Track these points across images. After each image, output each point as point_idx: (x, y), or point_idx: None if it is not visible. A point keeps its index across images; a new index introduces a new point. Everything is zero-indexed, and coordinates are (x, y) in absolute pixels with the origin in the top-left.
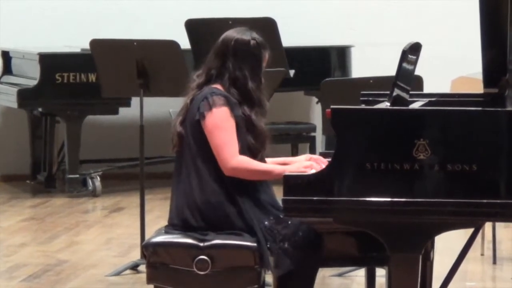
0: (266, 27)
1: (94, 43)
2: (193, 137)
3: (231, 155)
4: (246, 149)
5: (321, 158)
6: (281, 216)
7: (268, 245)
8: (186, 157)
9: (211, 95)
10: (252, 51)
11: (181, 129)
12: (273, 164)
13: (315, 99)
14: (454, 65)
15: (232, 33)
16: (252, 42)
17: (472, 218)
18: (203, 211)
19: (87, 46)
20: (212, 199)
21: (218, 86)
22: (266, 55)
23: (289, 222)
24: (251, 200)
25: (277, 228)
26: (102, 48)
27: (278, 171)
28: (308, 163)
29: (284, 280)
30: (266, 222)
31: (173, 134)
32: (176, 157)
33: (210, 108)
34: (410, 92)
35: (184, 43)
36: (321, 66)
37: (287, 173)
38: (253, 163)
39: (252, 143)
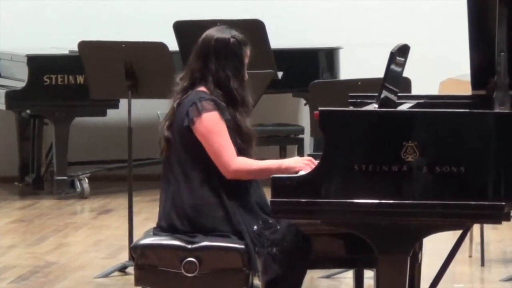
0: (255, 28)
1: (82, 44)
2: (181, 142)
3: (231, 158)
4: (236, 150)
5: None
6: (270, 221)
7: (256, 250)
8: (174, 161)
9: (199, 100)
10: (233, 49)
11: (168, 133)
12: (269, 160)
13: (303, 101)
14: (442, 67)
15: (211, 33)
16: (232, 40)
17: (460, 220)
18: (191, 216)
19: (75, 47)
20: (199, 203)
21: (203, 89)
22: (247, 51)
23: (278, 227)
24: (240, 204)
25: (265, 233)
26: (90, 50)
27: (275, 167)
28: (307, 159)
29: (272, 285)
30: (255, 227)
31: (160, 139)
32: (164, 161)
33: (199, 113)
34: (398, 94)
35: (173, 44)
36: (309, 67)
37: (275, 175)
38: (252, 163)
39: (239, 143)
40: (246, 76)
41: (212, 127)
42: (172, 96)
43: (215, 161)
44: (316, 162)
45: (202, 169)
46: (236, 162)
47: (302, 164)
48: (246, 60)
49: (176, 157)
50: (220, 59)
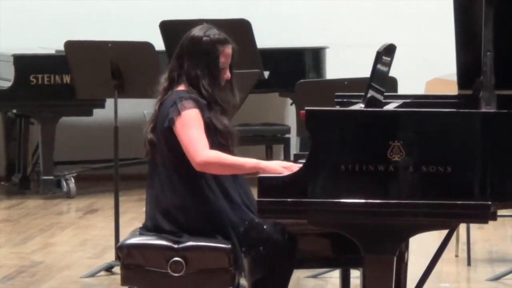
0: (241, 28)
1: (69, 44)
2: (165, 143)
3: (200, 149)
4: (217, 148)
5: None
6: (256, 220)
7: (242, 250)
8: (158, 162)
9: (180, 100)
10: (205, 48)
11: (152, 136)
12: (247, 158)
13: (289, 101)
14: (428, 66)
15: (190, 32)
16: (204, 38)
17: (447, 220)
18: (176, 216)
19: (61, 47)
20: (184, 204)
21: (182, 88)
22: (226, 49)
23: (264, 227)
24: (226, 203)
25: (251, 232)
26: (77, 50)
27: (251, 165)
28: (287, 164)
29: (259, 285)
30: (241, 227)
31: (144, 141)
32: (149, 162)
33: (179, 113)
34: (385, 94)
35: (159, 44)
36: (295, 67)
37: (261, 175)
38: (224, 156)
39: (220, 141)
40: (228, 75)
41: (187, 121)
42: (155, 97)
43: (186, 153)
44: (297, 167)
45: (186, 169)
46: (204, 154)
47: (281, 169)
48: (226, 59)
49: (160, 158)
50: (192, 57)
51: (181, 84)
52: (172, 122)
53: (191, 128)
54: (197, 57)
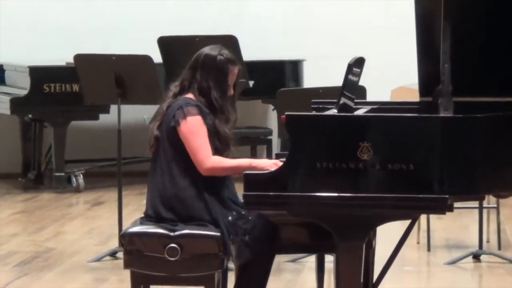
0: (229, 43)
1: (78, 57)
2: (168, 141)
3: (206, 157)
4: (214, 151)
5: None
6: (243, 212)
7: (230, 237)
8: (161, 157)
9: (186, 105)
10: (218, 65)
11: (157, 132)
12: (241, 159)
13: (271, 107)
14: (393, 76)
15: (204, 49)
16: (218, 57)
17: (409, 211)
18: (174, 205)
19: (71, 60)
20: (182, 195)
21: (190, 96)
22: (235, 70)
23: (250, 218)
24: (216, 197)
25: (238, 222)
26: (85, 62)
27: (246, 165)
28: (274, 162)
29: (244, 268)
30: (229, 217)
31: (150, 137)
32: (152, 157)
33: (184, 116)
34: (355, 101)
35: (157, 57)
36: (277, 77)
37: (247, 172)
38: (225, 161)
39: (217, 145)
40: (231, 91)
41: (193, 129)
42: (163, 100)
43: (193, 159)
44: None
45: (185, 164)
46: (210, 161)
47: (269, 164)
48: (232, 77)
49: (163, 153)
50: (205, 72)
51: (190, 92)
52: (177, 123)
53: (197, 135)
54: (210, 71)
